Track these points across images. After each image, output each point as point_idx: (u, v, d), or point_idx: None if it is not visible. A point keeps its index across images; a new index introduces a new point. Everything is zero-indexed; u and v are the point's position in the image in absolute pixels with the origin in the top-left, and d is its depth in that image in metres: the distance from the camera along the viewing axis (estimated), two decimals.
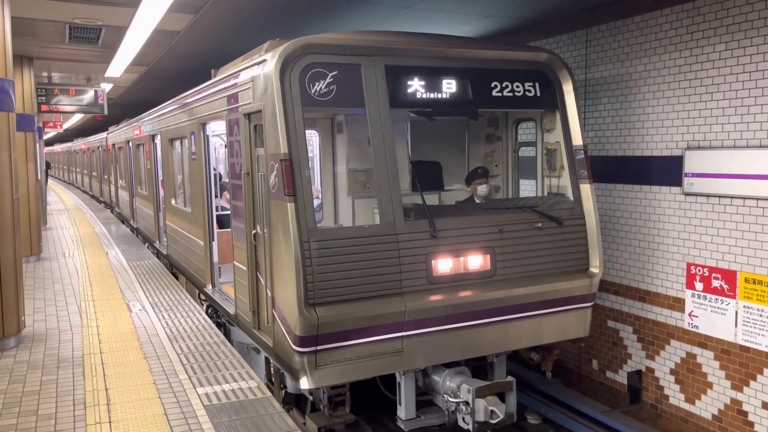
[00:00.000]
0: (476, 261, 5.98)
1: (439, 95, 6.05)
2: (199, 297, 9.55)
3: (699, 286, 6.73)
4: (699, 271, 6.72)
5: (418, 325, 5.68)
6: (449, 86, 6.09)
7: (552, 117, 6.84)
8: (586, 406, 7.51)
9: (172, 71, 12.86)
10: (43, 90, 14.22)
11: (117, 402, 5.04)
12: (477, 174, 7.19)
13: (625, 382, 7.74)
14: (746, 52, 6.10)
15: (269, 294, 5.83)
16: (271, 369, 6.75)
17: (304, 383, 5.40)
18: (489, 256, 6.04)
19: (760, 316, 6.13)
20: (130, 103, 19.82)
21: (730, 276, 6.41)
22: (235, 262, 7.02)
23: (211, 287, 8.43)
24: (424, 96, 5.98)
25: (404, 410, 6.10)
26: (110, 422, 4.67)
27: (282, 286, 5.48)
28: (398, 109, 6.12)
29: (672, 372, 7.14)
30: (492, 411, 5.68)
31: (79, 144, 33.56)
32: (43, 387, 5.44)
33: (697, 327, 6.79)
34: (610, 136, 7.73)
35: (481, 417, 5.73)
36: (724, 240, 6.44)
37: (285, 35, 6.54)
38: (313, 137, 8.30)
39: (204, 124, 8.19)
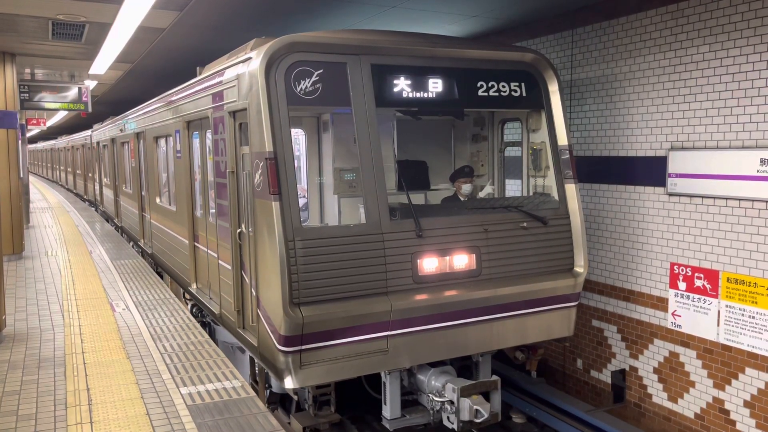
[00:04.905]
0: (462, 260, 5.99)
1: (425, 95, 6.05)
2: (183, 296, 9.49)
3: (682, 285, 6.79)
4: (682, 270, 6.78)
5: (403, 325, 5.68)
6: (435, 86, 6.09)
7: (537, 117, 6.87)
8: (571, 405, 7.55)
9: (157, 69, 12.76)
10: (26, 87, 14.04)
11: (99, 402, 4.99)
12: (463, 173, 7.20)
13: (609, 381, 7.79)
14: (729, 53, 6.16)
15: (254, 293, 5.80)
16: (256, 369, 6.72)
17: (289, 383, 5.38)
18: (474, 255, 6.05)
19: (742, 315, 6.19)
20: (115, 101, 19.64)
21: (712, 276, 6.46)
22: (220, 261, 6.98)
23: (195, 286, 8.37)
24: (410, 95, 5.97)
25: (389, 410, 6.10)
26: (91, 422, 4.63)
27: (267, 285, 5.46)
28: (384, 109, 6.11)
29: (655, 371, 7.19)
30: (477, 410, 5.70)
31: (63, 141, 33.22)
32: (24, 387, 5.38)
33: (680, 326, 6.85)
34: (595, 136, 7.78)
35: (466, 416, 5.75)
36: (706, 240, 6.50)
37: (271, 33, 6.51)
38: (298, 136, 8.27)
39: (189, 122, 8.13)
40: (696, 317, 6.65)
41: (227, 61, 6.56)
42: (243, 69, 5.75)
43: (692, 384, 6.76)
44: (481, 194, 7.61)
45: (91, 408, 4.88)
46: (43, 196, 27.13)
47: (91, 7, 7.88)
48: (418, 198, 7.44)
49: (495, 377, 6.20)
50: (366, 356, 5.59)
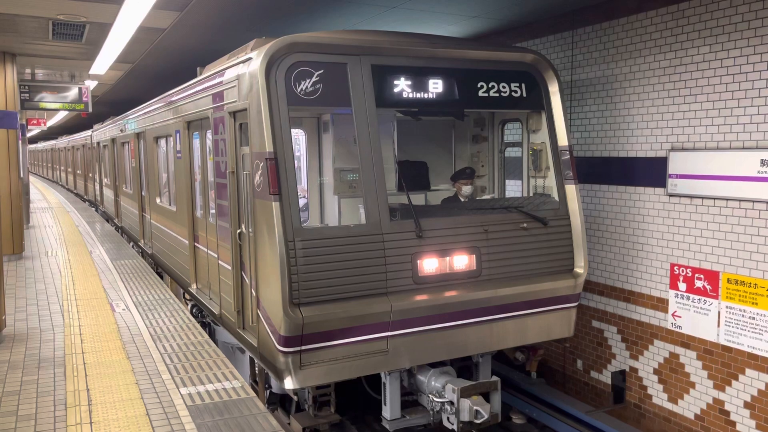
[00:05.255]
0: (462, 261, 5.99)
1: (426, 95, 6.05)
2: (183, 296, 9.49)
3: (682, 286, 6.79)
4: (682, 271, 6.78)
5: (403, 325, 5.67)
6: (435, 86, 6.09)
7: (538, 118, 6.87)
8: (571, 406, 7.54)
9: (157, 69, 12.77)
10: (27, 87, 14.04)
11: (98, 402, 4.98)
12: (464, 174, 7.21)
13: (609, 381, 7.79)
14: (730, 54, 6.16)
15: (254, 293, 5.80)
16: (256, 369, 6.72)
17: (289, 383, 5.38)
18: (474, 256, 6.04)
19: (742, 316, 6.19)
20: (115, 101, 19.65)
21: (712, 277, 6.46)
22: (220, 262, 6.97)
23: (195, 286, 8.37)
24: (411, 96, 5.97)
25: (389, 410, 6.09)
26: (91, 423, 4.62)
27: (267, 285, 5.45)
28: (384, 109, 6.11)
29: (655, 372, 7.19)
30: (477, 411, 5.69)
31: (64, 142, 33.23)
32: (24, 387, 5.38)
33: (680, 327, 6.84)
34: (596, 137, 7.77)
35: (465, 417, 5.74)
36: (707, 241, 6.50)
37: (271, 34, 6.51)
38: (299, 136, 8.28)
39: (189, 122, 8.13)
40: (696, 318, 6.65)
41: (227, 62, 6.56)
42: (243, 69, 5.75)
43: (692, 385, 6.76)
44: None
45: (91, 408, 4.88)
46: (44, 196, 27.13)
47: (92, 8, 7.88)
48: (418, 198, 7.44)
49: (495, 378, 6.19)
50: (366, 357, 5.59)
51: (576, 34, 7.96)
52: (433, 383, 6.05)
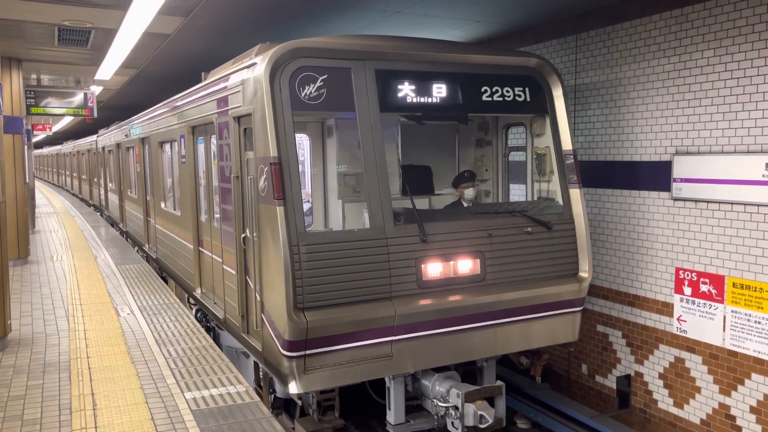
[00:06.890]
0: (466, 265, 5.98)
1: (430, 100, 6.06)
2: (188, 301, 9.50)
3: (687, 290, 6.77)
4: (687, 275, 6.76)
5: (407, 330, 5.67)
6: (439, 91, 6.10)
7: (542, 122, 6.86)
8: (576, 411, 7.51)
9: (162, 74, 12.82)
10: (32, 92, 14.13)
11: (103, 407, 5.00)
12: (464, 178, 7.21)
13: (614, 386, 7.76)
14: (734, 58, 6.15)
15: (258, 298, 5.81)
16: (260, 373, 6.72)
17: (293, 388, 5.38)
18: (479, 260, 6.04)
19: (748, 320, 6.17)
20: (120, 106, 19.72)
21: (718, 281, 6.44)
22: (225, 266, 6.99)
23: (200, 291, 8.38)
24: (415, 100, 5.98)
25: (393, 415, 6.09)
26: (96, 427, 4.63)
27: (271, 290, 5.46)
28: (388, 114, 6.12)
29: (661, 376, 7.16)
30: (481, 416, 5.68)
31: (69, 147, 33.37)
32: (29, 392, 5.39)
33: (685, 331, 6.82)
34: (600, 141, 7.77)
35: (470, 422, 5.73)
36: (712, 245, 6.48)
37: (275, 39, 6.54)
38: (303, 141, 8.30)
39: (194, 127, 8.16)
40: (701, 322, 6.63)
41: (232, 67, 6.58)
42: (248, 74, 5.77)
43: (698, 389, 6.73)
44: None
45: (96, 412, 4.89)
46: (49, 201, 27.23)
47: (97, 13, 7.93)
48: (422, 203, 7.44)
49: (499, 382, 6.17)
50: (370, 361, 5.58)
51: (580, 38, 7.96)
52: (437, 388, 6.04)
